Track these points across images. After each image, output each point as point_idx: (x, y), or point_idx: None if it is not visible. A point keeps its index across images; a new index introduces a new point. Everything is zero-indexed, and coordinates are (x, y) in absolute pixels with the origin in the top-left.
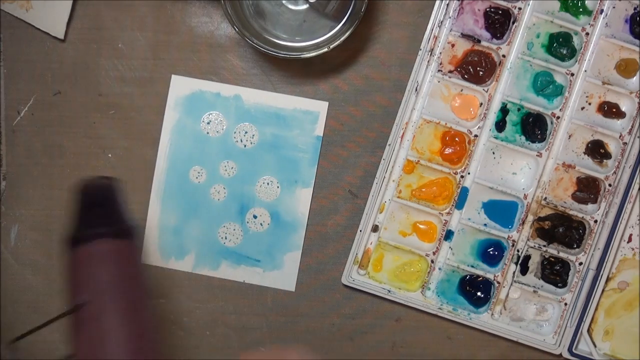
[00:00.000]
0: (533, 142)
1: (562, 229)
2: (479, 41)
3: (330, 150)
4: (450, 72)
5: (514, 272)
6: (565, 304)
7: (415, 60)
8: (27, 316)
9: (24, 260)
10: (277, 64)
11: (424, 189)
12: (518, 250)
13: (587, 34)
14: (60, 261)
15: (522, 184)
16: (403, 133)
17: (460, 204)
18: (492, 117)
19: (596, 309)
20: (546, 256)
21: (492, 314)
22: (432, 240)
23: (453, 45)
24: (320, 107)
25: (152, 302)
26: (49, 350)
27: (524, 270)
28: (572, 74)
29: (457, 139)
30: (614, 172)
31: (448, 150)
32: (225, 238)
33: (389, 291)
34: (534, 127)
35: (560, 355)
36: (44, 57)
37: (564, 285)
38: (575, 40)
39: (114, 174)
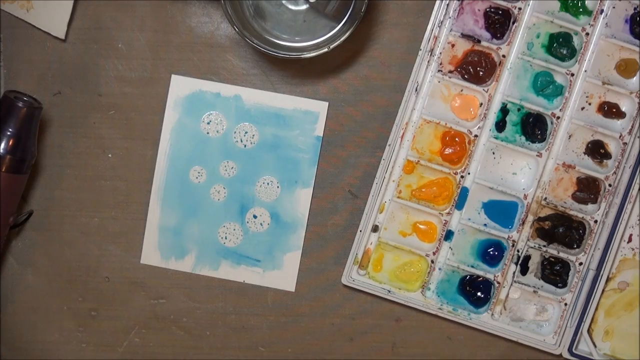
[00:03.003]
0: (533, 142)
1: (562, 229)
2: (479, 41)
3: (329, 150)
4: (450, 72)
5: (514, 272)
6: (565, 304)
7: (415, 61)
8: (27, 316)
9: (24, 260)
10: (277, 64)
11: (424, 189)
12: (518, 251)
13: (587, 34)
14: (60, 261)
15: (522, 184)
16: (403, 133)
17: (460, 204)
18: (492, 117)
19: (596, 309)
20: (546, 256)
21: (492, 314)
22: (432, 241)
23: (453, 46)
24: (320, 108)
25: None
26: (49, 350)
27: (524, 270)
28: (572, 74)
29: (457, 139)
30: (614, 172)
31: (448, 151)
32: (225, 238)
33: (389, 291)
34: (534, 127)
35: (560, 355)
36: (44, 57)
37: (564, 285)
38: (575, 40)
39: (114, 174)
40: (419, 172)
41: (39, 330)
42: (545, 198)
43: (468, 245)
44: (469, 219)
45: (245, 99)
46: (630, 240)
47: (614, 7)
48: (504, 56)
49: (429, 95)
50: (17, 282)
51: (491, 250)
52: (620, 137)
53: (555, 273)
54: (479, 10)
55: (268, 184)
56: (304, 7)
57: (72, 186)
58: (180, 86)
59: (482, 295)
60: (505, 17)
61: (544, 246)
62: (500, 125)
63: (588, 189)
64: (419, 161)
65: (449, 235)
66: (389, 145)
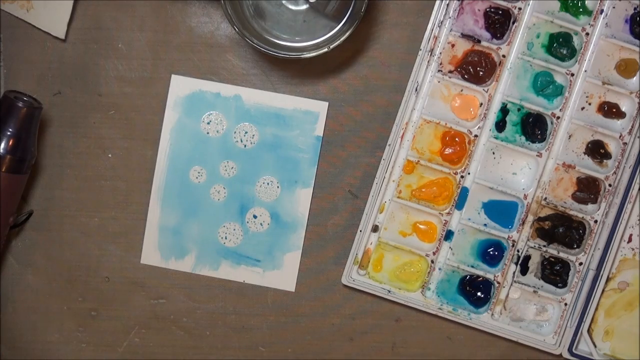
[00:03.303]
0: (533, 142)
1: (562, 229)
2: (479, 41)
3: (329, 151)
4: (450, 72)
5: (514, 272)
6: (565, 304)
7: (415, 61)
8: (27, 316)
9: (24, 260)
10: (277, 64)
11: (424, 189)
12: (518, 251)
13: (587, 34)
14: (60, 261)
15: (522, 184)
16: (403, 133)
17: (460, 204)
18: (492, 117)
19: (596, 309)
20: (546, 256)
21: (492, 314)
22: (432, 240)
23: (453, 46)
24: (320, 108)
25: None
26: (49, 350)
27: (524, 270)
28: (572, 74)
29: (457, 139)
30: (614, 172)
31: (448, 151)
32: (225, 238)
33: (389, 291)
34: (534, 127)
35: (560, 355)
36: (44, 57)
37: (564, 285)
38: (575, 40)
39: (114, 174)
40: (419, 172)
41: (39, 330)
42: (545, 198)
43: (468, 245)
44: (469, 219)
45: (245, 99)
46: (630, 240)
47: (614, 7)
48: (504, 56)
49: (429, 95)
50: (17, 282)
51: (491, 250)
52: (620, 137)
53: (555, 273)
54: (479, 10)
55: (268, 184)
56: (304, 7)
57: (72, 186)
58: (180, 86)
59: (482, 295)
60: (505, 17)
61: (544, 246)
62: (500, 125)
63: (588, 189)
64: (419, 161)
65: (449, 235)
66: (389, 145)
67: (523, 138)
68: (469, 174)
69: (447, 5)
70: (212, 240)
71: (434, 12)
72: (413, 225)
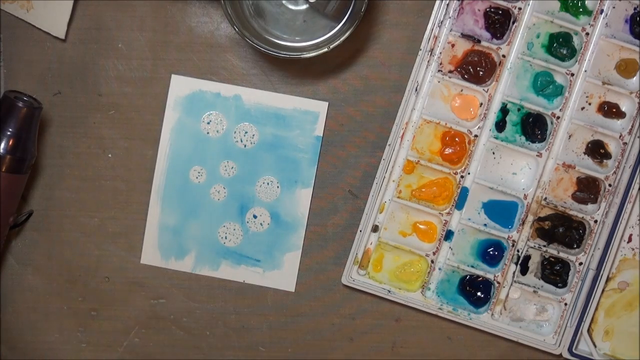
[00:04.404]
0: (533, 142)
1: (562, 229)
2: (479, 41)
3: (329, 151)
4: (450, 72)
5: (514, 272)
6: (565, 304)
7: (415, 61)
8: (27, 316)
9: (24, 260)
10: (277, 64)
11: (424, 189)
12: (518, 251)
13: (587, 34)
14: (60, 261)
15: (522, 184)
16: (403, 133)
17: (460, 204)
18: (492, 117)
19: (596, 309)
20: (546, 256)
21: (492, 314)
22: (432, 241)
23: (453, 45)
24: (320, 107)
25: None
26: (49, 350)
27: (524, 270)
28: (572, 74)
29: (457, 139)
30: (614, 172)
31: (448, 151)
32: (225, 238)
33: (389, 291)
34: (534, 127)
35: (560, 355)
36: (44, 57)
37: (564, 285)
38: (575, 40)
39: (114, 174)
40: (419, 172)
41: (39, 330)
42: (545, 198)
43: (468, 245)
44: (469, 219)
45: (245, 99)
46: (630, 240)
47: (614, 7)
48: (504, 56)
49: (429, 95)
50: (17, 282)
51: (491, 250)
52: (620, 137)
53: (555, 273)
54: (479, 10)
55: (268, 184)
56: (304, 7)
57: (72, 186)
58: (180, 86)
59: (482, 295)
60: (505, 17)
61: (544, 246)
62: (500, 125)
63: (588, 189)
64: (419, 161)
65: (449, 235)
66: (389, 145)
67: (523, 138)
68: (469, 174)
69: (447, 5)
70: (212, 240)
71: (434, 12)
72: (413, 225)
